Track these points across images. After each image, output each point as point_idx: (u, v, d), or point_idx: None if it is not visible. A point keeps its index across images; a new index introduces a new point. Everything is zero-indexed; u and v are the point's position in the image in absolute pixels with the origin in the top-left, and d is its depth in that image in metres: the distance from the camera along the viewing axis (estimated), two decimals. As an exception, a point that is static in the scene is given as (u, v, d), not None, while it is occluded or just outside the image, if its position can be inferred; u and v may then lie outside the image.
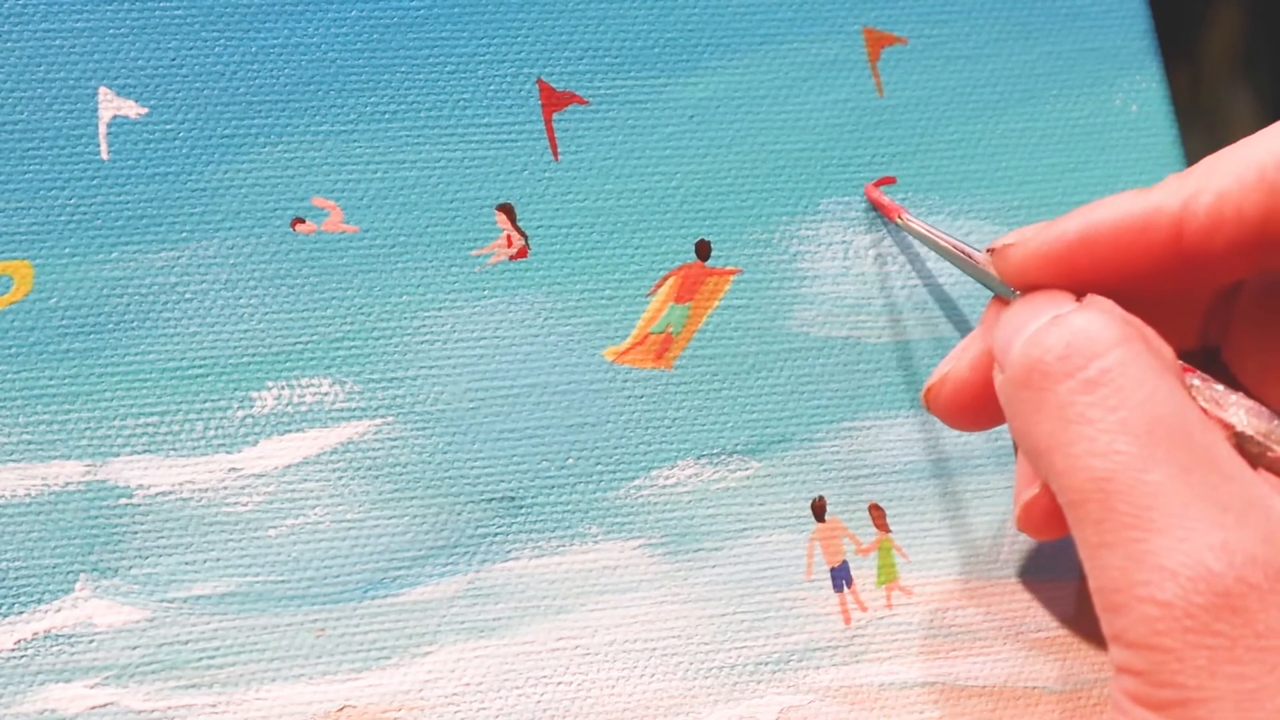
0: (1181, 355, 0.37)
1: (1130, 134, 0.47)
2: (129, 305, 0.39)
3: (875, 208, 0.44)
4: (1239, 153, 0.37)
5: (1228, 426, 0.35)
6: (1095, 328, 0.35)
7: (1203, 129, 0.80)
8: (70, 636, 0.37)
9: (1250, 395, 0.36)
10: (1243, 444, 0.35)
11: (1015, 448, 0.40)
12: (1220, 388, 0.36)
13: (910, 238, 0.44)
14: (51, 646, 0.37)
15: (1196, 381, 0.36)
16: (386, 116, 0.42)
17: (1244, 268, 0.38)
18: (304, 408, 0.40)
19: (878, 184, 0.45)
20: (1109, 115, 0.47)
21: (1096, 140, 0.47)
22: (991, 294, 0.40)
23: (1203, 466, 0.33)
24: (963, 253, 0.41)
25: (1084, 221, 0.37)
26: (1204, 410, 0.35)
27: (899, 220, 0.43)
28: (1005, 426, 0.43)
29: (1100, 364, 0.34)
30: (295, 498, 0.39)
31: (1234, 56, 0.81)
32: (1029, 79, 0.47)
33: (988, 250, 0.39)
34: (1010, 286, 0.39)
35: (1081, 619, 0.43)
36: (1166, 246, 0.37)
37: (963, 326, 0.44)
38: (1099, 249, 0.37)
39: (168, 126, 0.40)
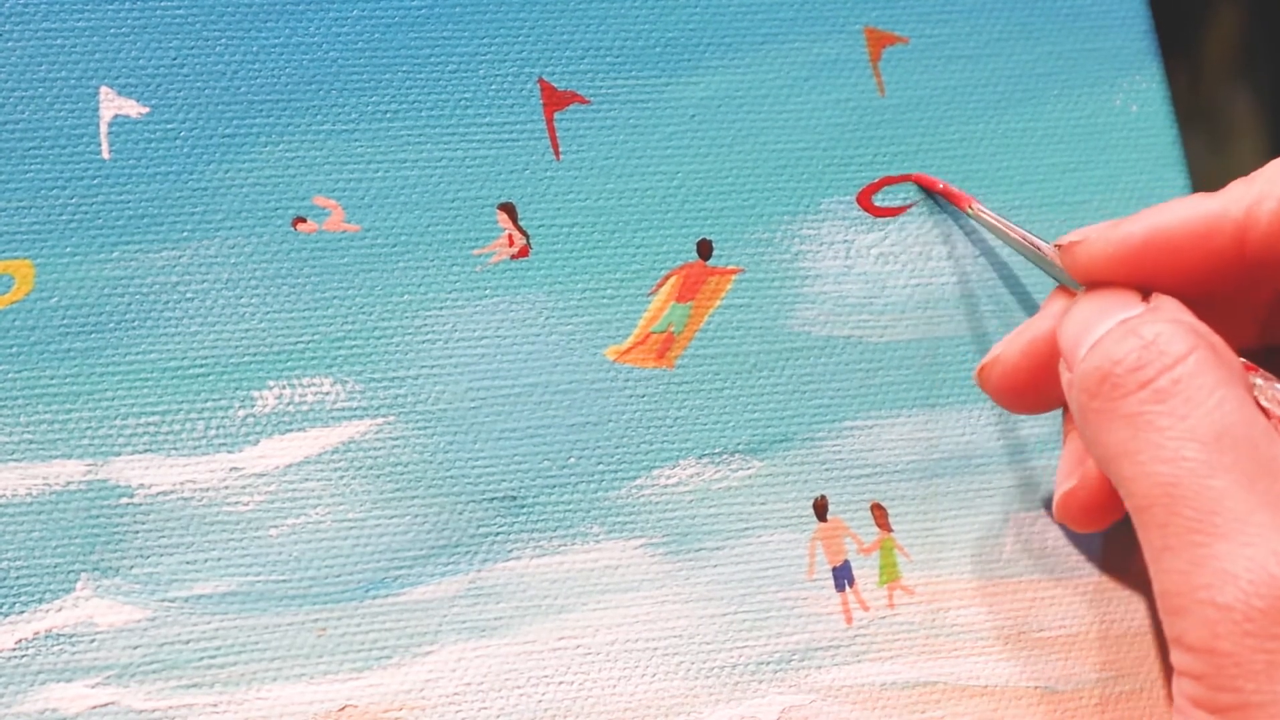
0: (1241, 352, 0.37)
1: (1130, 134, 0.47)
2: (130, 304, 0.39)
3: (942, 196, 0.44)
4: None
5: None
6: (1165, 338, 0.35)
7: (1203, 129, 0.80)
8: (71, 636, 0.37)
9: None
10: None
11: (1064, 438, 0.41)
12: None
13: (914, 240, 0.44)
14: (52, 646, 0.37)
15: (1259, 381, 0.36)
16: (388, 116, 0.42)
17: None
18: (305, 407, 0.40)
19: (880, 184, 0.45)
20: (1109, 115, 0.47)
21: (1097, 140, 0.47)
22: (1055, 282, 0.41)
23: (1268, 475, 0.33)
24: (1032, 244, 0.41)
25: (1149, 224, 0.38)
26: (1264, 410, 0.35)
27: (969, 210, 0.43)
28: (1016, 416, 0.43)
29: (1171, 374, 0.35)
30: (296, 497, 0.39)
31: (1234, 56, 0.81)
32: (1030, 79, 0.47)
33: (1055, 245, 0.40)
34: (1074, 280, 0.39)
35: (1087, 619, 0.43)
36: (1230, 250, 0.37)
37: (964, 325, 0.44)
38: (1163, 251, 0.38)
39: (169, 126, 0.40)
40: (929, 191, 0.45)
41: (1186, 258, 0.38)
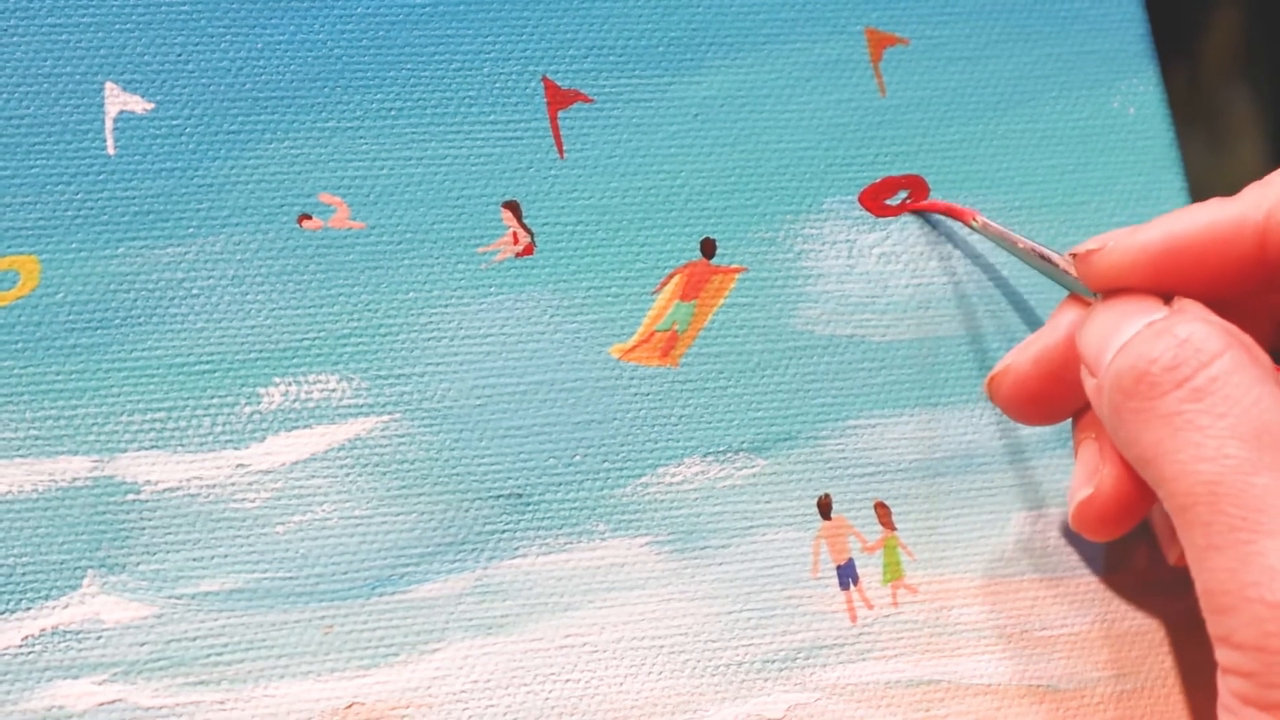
0: None
1: (1128, 136, 0.47)
2: (135, 301, 0.39)
3: (946, 215, 0.44)
4: None
5: None
6: (1200, 337, 0.35)
7: (1202, 129, 0.80)
8: (78, 633, 0.37)
9: None
10: None
11: (1075, 448, 0.41)
12: None
13: (915, 240, 0.44)
14: (59, 643, 0.37)
15: None
16: (393, 113, 0.42)
17: None
18: (311, 404, 0.40)
19: (882, 184, 0.45)
20: (1107, 117, 0.47)
21: (1095, 142, 0.47)
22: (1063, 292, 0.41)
23: None
24: (1041, 255, 0.41)
25: (1168, 231, 0.38)
26: None
27: (973, 223, 0.43)
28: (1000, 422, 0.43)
29: (1208, 373, 0.35)
30: (303, 494, 0.39)
31: (1234, 57, 0.81)
32: (1029, 81, 0.47)
33: (1070, 254, 0.40)
34: (1091, 289, 0.39)
35: (1090, 618, 0.43)
36: (1250, 255, 0.38)
37: (966, 324, 0.44)
38: (1183, 257, 0.38)
39: (174, 122, 0.40)
40: (928, 213, 0.45)
41: (1207, 263, 0.38)
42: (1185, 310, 0.37)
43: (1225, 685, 0.34)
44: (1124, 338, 0.37)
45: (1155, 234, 0.38)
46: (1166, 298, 0.38)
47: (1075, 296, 0.41)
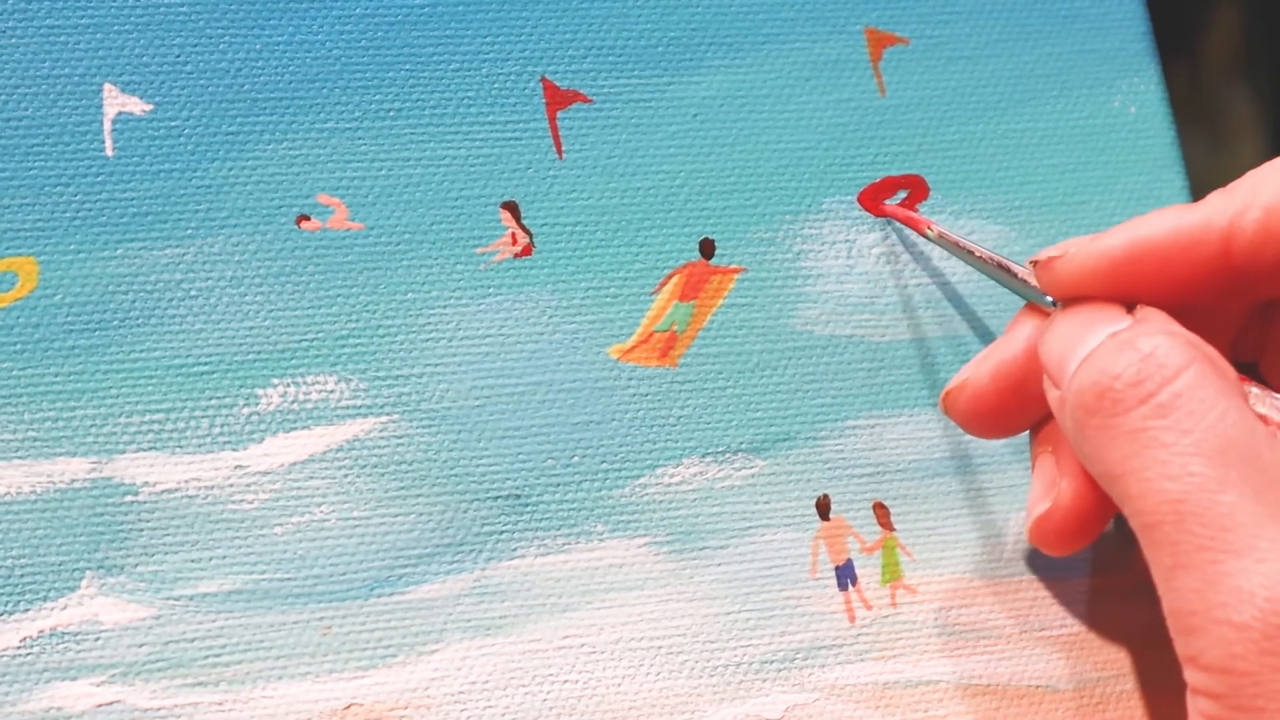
0: None
1: (1129, 135, 0.47)
2: (134, 302, 0.39)
3: (903, 224, 0.44)
4: None
5: None
6: (1164, 351, 0.35)
7: (1203, 129, 0.80)
8: (76, 634, 0.37)
9: None
10: None
11: (1032, 462, 0.41)
12: (1279, 396, 0.36)
13: (915, 240, 0.44)
14: (57, 644, 0.37)
15: (1255, 390, 0.36)
16: (391, 114, 0.42)
17: None
18: (309, 405, 0.40)
19: (882, 184, 0.45)
20: (1108, 117, 0.47)
21: (1096, 141, 0.47)
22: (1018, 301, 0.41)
23: (1276, 488, 0.33)
24: (998, 264, 0.41)
25: (1131, 237, 0.37)
26: (1263, 417, 0.35)
27: (928, 233, 0.43)
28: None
29: (1172, 388, 0.34)
30: (301, 495, 0.39)
31: (1234, 57, 0.81)
32: (1029, 80, 0.47)
33: (1030, 263, 0.39)
34: (1050, 298, 0.39)
35: (1089, 618, 0.43)
36: (1214, 262, 0.37)
37: (966, 324, 0.44)
38: (1146, 264, 0.37)
39: (172, 123, 0.40)
40: (889, 217, 0.45)
41: (1170, 270, 0.37)
42: (1148, 321, 0.36)
43: (1194, 706, 0.33)
44: (1087, 348, 0.36)
45: (1117, 240, 0.37)
46: (1129, 305, 0.37)
47: (1033, 307, 0.40)
